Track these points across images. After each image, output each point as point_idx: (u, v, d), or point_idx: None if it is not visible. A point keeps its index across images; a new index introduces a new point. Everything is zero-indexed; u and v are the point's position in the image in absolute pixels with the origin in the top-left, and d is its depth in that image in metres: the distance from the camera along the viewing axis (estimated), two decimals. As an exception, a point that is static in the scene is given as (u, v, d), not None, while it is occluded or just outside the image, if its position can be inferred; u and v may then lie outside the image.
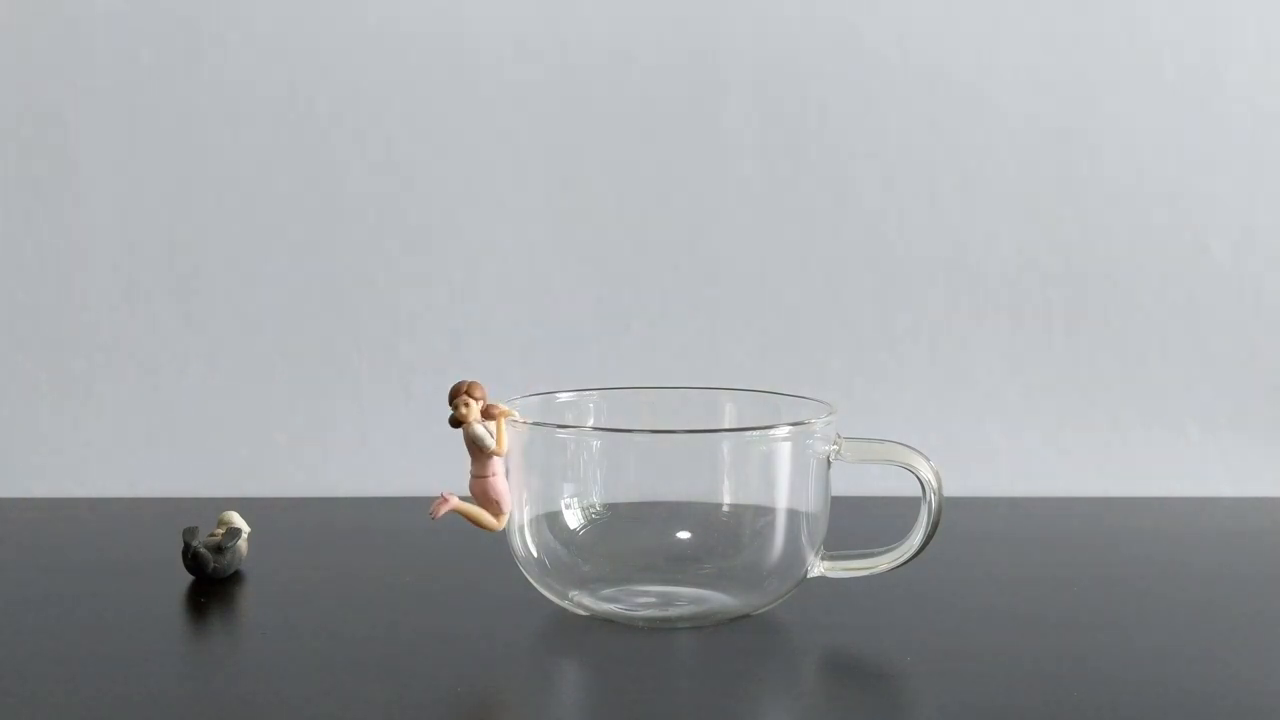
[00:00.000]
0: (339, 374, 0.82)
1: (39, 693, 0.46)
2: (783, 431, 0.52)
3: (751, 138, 0.81)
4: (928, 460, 0.53)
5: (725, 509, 0.53)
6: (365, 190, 0.81)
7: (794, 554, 0.53)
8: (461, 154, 0.80)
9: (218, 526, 0.62)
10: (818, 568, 0.54)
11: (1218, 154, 0.81)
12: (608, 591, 0.53)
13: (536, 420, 0.53)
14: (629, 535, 0.54)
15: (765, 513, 0.52)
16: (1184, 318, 0.82)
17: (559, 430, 0.53)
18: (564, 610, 0.54)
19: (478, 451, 0.51)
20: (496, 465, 0.51)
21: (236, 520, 0.62)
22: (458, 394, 0.50)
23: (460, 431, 0.51)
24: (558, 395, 0.59)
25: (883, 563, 0.54)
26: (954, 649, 0.50)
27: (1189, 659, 0.50)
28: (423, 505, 0.51)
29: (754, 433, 0.52)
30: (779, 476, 0.52)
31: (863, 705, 0.46)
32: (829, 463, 0.53)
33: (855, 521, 0.58)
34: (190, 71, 0.80)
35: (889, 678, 0.49)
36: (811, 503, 0.53)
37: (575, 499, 0.53)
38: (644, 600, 0.53)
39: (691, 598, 0.53)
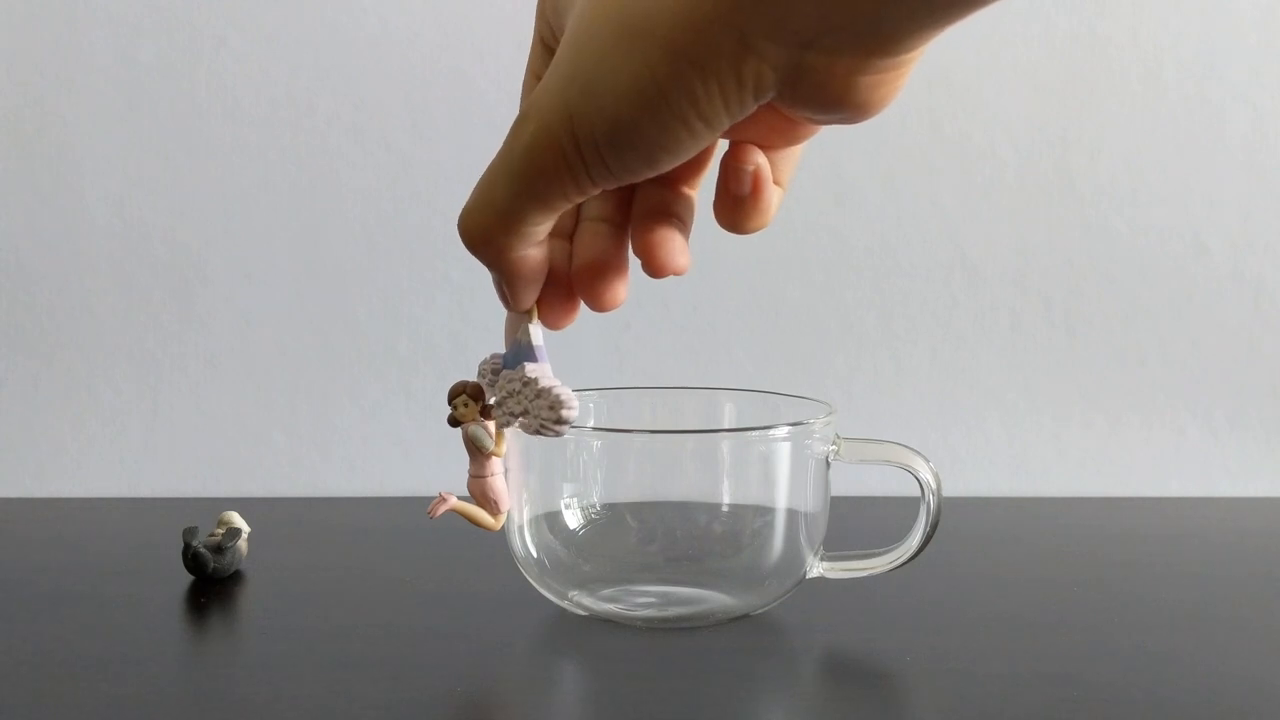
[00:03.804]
0: (339, 374, 0.82)
1: (39, 692, 0.46)
2: (782, 432, 0.52)
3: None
4: (927, 461, 0.53)
5: (724, 509, 0.53)
6: (365, 190, 0.81)
7: (793, 554, 0.53)
8: (461, 154, 0.80)
9: (218, 526, 0.62)
10: (817, 568, 0.54)
11: (1217, 154, 0.81)
12: (607, 591, 0.53)
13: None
14: (628, 535, 0.54)
15: (764, 513, 0.53)
16: (1184, 318, 0.82)
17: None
18: (563, 610, 0.54)
19: (476, 451, 0.50)
20: (495, 465, 0.51)
21: (236, 520, 0.62)
22: (457, 394, 0.50)
23: (459, 431, 0.51)
24: (557, 395, 0.59)
25: (882, 563, 0.54)
26: (953, 649, 0.51)
27: (1188, 659, 0.50)
28: (422, 505, 0.51)
29: (753, 433, 0.52)
30: (778, 477, 0.52)
31: (862, 705, 0.46)
32: (828, 463, 0.53)
33: (855, 522, 0.58)
34: (190, 71, 0.80)
35: (888, 678, 0.49)
36: (811, 503, 0.53)
37: (575, 499, 0.53)
38: (643, 600, 0.53)
39: (691, 598, 0.53)
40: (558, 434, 0.42)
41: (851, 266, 0.82)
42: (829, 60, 0.31)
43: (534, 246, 0.39)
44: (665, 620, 0.53)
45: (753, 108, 0.33)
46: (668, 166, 0.35)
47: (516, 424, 0.43)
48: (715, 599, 0.53)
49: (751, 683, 0.47)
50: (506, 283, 0.40)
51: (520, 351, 0.43)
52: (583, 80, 0.33)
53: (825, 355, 0.82)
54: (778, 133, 0.38)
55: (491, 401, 0.45)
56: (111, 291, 0.81)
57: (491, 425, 0.51)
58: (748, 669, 0.48)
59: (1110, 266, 0.82)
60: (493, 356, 0.45)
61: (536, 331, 0.43)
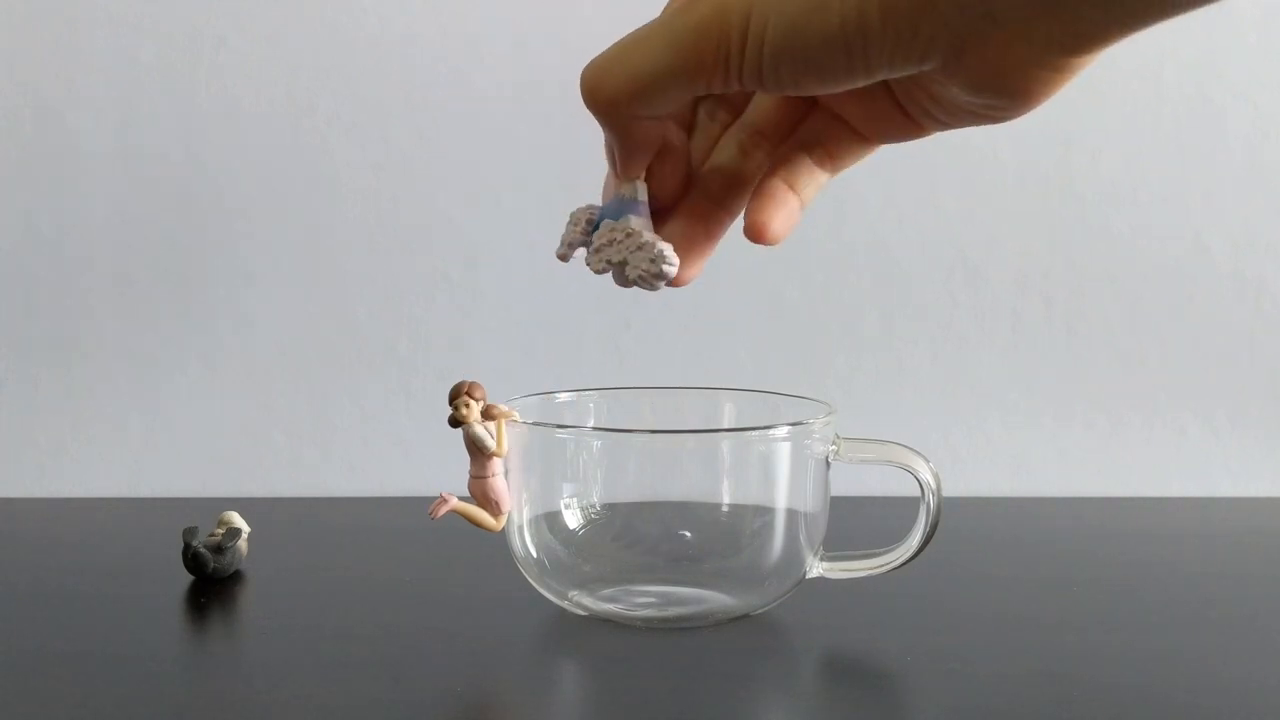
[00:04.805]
0: (339, 374, 0.82)
1: (39, 692, 0.46)
2: (782, 431, 0.52)
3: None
4: (927, 461, 0.53)
5: (724, 509, 0.53)
6: (365, 190, 0.81)
7: (793, 554, 0.53)
8: (461, 154, 0.80)
9: (218, 526, 0.62)
10: (817, 568, 0.54)
11: (1217, 154, 0.81)
12: (607, 591, 0.53)
13: (536, 420, 0.53)
14: (628, 535, 0.54)
15: (764, 513, 0.53)
16: (1184, 318, 0.82)
17: (558, 430, 0.53)
18: (563, 610, 0.54)
19: (477, 452, 0.51)
20: (496, 466, 0.51)
21: (236, 520, 0.62)
22: (458, 394, 0.50)
23: (460, 432, 0.51)
24: (557, 395, 0.59)
25: (882, 563, 0.54)
26: (953, 649, 0.51)
27: (1188, 659, 0.50)
28: (423, 505, 0.51)
29: (753, 433, 0.52)
30: (778, 476, 0.52)
31: (862, 705, 0.46)
32: (828, 463, 0.53)
33: (855, 522, 0.58)
34: (190, 71, 0.80)
35: (889, 678, 0.49)
36: (811, 503, 0.53)
37: (575, 499, 0.53)
38: (643, 600, 0.53)
39: (691, 598, 0.53)
40: (654, 287, 0.43)
41: (852, 267, 0.82)
42: (1007, 39, 0.32)
43: (656, 122, 0.39)
44: (665, 620, 0.53)
45: (913, 69, 0.34)
46: (810, 90, 0.36)
47: (610, 272, 0.43)
48: (715, 599, 0.53)
49: (751, 683, 0.47)
50: (619, 145, 0.40)
51: (624, 205, 0.43)
52: None
53: (826, 355, 0.82)
54: (884, 128, 0.39)
55: (582, 253, 0.45)
56: (111, 291, 0.81)
57: (492, 426, 0.51)
58: (748, 669, 0.48)
59: (1110, 267, 0.82)
60: (587, 206, 0.45)
61: (643, 189, 0.43)
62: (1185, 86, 0.81)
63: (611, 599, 0.53)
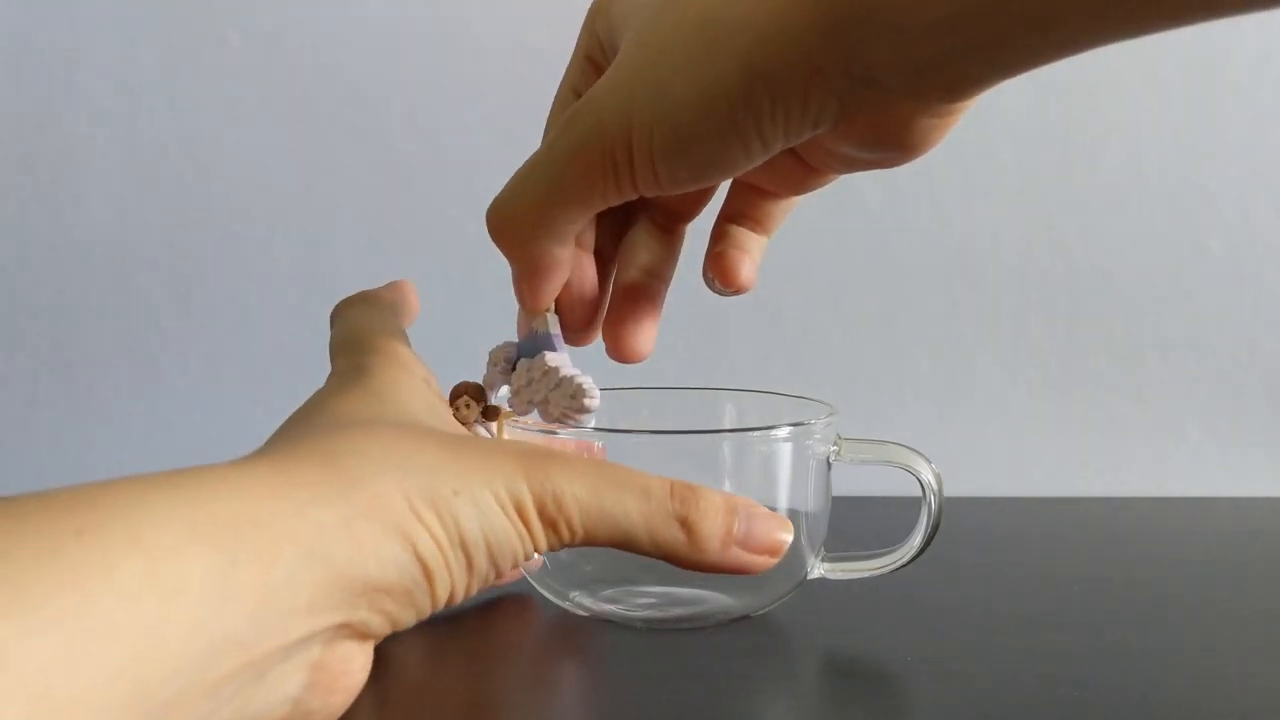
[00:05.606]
0: (339, 374, 0.82)
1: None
2: (783, 432, 0.52)
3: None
4: (928, 462, 0.53)
5: (725, 509, 0.53)
6: (365, 190, 0.81)
7: (794, 555, 0.53)
8: (461, 155, 0.80)
9: (218, 527, 0.62)
10: (818, 569, 0.54)
11: (1217, 153, 0.81)
12: (608, 592, 0.53)
13: (536, 421, 0.53)
14: (629, 535, 0.53)
15: (765, 513, 0.52)
16: (1183, 317, 0.82)
17: (559, 430, 0.53)
18: (564, 610, 0.54)
19: (478, 452, 0.50)
20: (497, 466, 0.51)
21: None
22: (458, 395, 0.50)
23: (460, 432, 0.50)
24: (558, 395, 0.59)
25: (883, 564, 0.54)
26: (954, 649, 0.51)
27: (1188, 659, 0.50)
28: (423, 506, 0.51)
29: (754, 433, 0.52)
30: (779, 477, 0.52)
31: (863, 705, 0.46)
32: (829, 463, 0.53)
33: (856, 522, 0.58)
34: (190, 70, 0.80)
35: (889, 678, 0.49)
36: (812, 503, 0.53)
37: (575, 499, 0.53)
38: (644, 600, 0.53)
39: (691, 598, 0.53)
40: (579, 424, 0.42)
41: (852, 267, 0.82)
42: (892, 99, 0.32)
43: (560, 246, 0.38)
44: (665, 621, 0.53)
45: (807, 136, 0.33)
46: (712, 182, 0.35)
47: (534, 413, 0.43)
48: (716, 599, 0.53)
49: (751, 683, 0.47)
50: (525, 279, 0.40)
51: (538, 341, 0.42)
52: (652, 84, 0.33)
53: (825, 355, 0.82)
54: (792, 183, 0.38)
55: (505, 391, 0.45)
56: (111, 291, 0.81)
57: (494, 426, 0.51)
58: (748, 669, 0.48)
59: (1110, 267, 0.82)
60: (505, 345, 0.45)
61: (554, 321, 0.42)
62: (1185, 86, 0.81)
63: (612, 599, 0.53)
